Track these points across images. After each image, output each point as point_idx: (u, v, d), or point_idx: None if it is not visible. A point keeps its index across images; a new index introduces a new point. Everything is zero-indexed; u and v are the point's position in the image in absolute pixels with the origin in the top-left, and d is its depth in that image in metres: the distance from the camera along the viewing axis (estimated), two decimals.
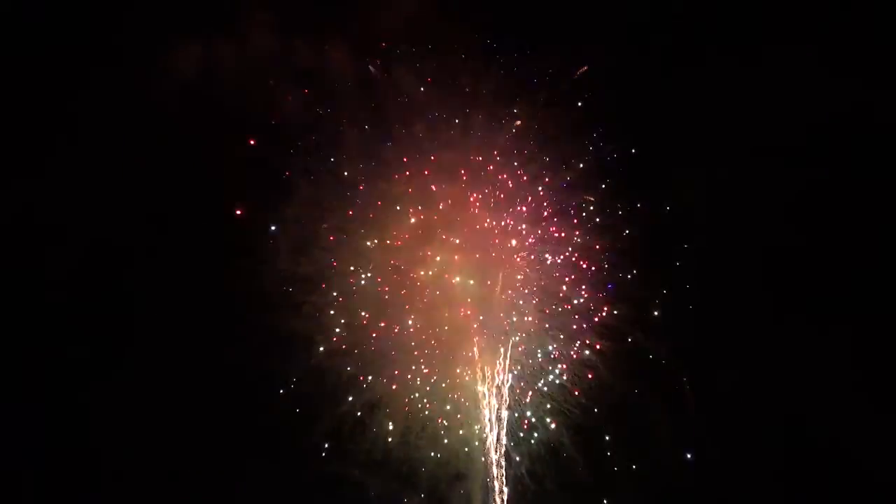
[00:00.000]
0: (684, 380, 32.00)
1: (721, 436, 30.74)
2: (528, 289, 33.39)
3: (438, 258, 32.70)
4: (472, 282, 32.84)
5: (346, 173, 31.78)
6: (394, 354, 32.65)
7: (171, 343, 29.82)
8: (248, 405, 30.19)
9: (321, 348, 31.60)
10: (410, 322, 32.55)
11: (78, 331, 28.67)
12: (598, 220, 32.69)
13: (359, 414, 31.89)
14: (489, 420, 33.24)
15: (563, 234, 33.04)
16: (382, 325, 32.58)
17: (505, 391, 33.35)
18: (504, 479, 32.85)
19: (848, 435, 29.08)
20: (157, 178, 28.57)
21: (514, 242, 33.31)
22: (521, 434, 33.11)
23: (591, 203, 32.56)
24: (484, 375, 33.52)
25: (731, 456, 30.38)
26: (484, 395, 33.26)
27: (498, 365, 33.39)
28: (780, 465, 30.45)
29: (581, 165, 32.32)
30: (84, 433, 28.91)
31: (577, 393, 32.80)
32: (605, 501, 32.02)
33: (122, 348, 29.21)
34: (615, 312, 32.76)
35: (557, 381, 33.17)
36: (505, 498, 32.77)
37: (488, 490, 32.84)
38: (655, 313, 32.54)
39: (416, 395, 32.76)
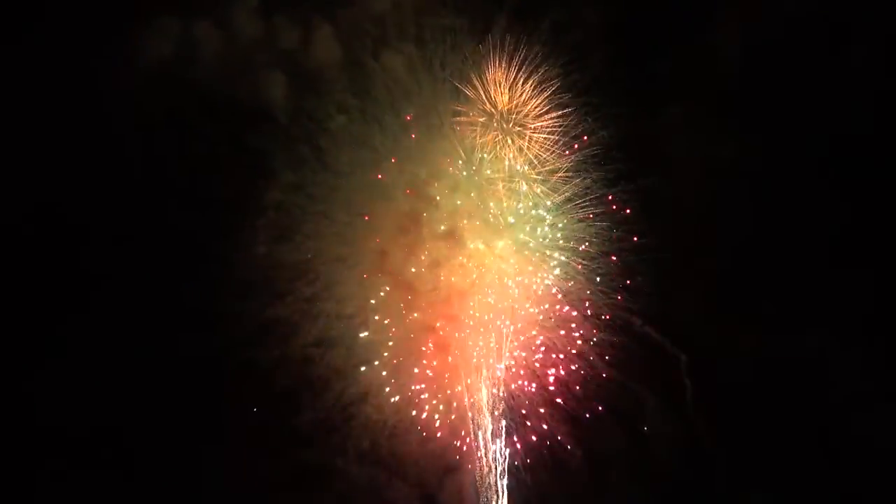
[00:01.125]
0: (684, 371, 31.38)
1: (719, 427, 30.32)
2: (523, 279, 32.75)
3: (429, 247, 32.19)
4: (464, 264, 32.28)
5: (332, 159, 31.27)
6: (383, 345, 32.14)
7: (160, 329, 29.50)
8: (235, 393, 29.87)
9: (309, 337, 31.24)
10: (395, 310, 32.10)
11: (52, 320, 28.66)
12: (592, 205, 31.76)
13: (346, 404, 31.37)
14: (483, 412, 32.74)
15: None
16: (371, 314, 32.08)
17: (500, 383, 32.79)
18: (498, 471, 32.29)
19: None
20: (134, 161, 28.36)
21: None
22: (516, 426, 32.48)
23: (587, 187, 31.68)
24: (478, 367, 32.94)
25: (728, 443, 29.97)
26: (480, 386, 32.75)
27: (493, 356, 32.82)
28: (778, 458, 29.74)
29: (568, 152, 31.41)
30: (64, 426, 28.65)
31: (572, 384, 32.13)
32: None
33: (100, 333, 28.89)
34: (611, 301, 31.99)
35: (552, 372, 32.47)
36: (499, 491, 32.26)
37: (482, 483, 32.33)
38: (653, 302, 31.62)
39: (407, 386, 32.16)
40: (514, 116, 31.29)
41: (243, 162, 29.89)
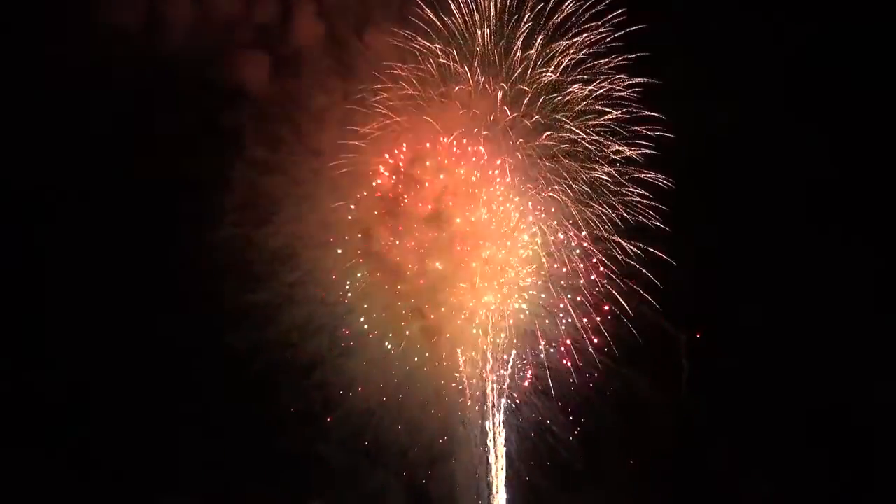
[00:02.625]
0: (682, 351, 30.57)
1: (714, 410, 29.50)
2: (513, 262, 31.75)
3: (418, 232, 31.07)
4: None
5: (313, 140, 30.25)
6: (368, 331, 31.11)
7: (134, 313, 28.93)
8: (215, 378, 29.18)
9: (291, 323, 30.34)
10: (380, 295, 31.01)
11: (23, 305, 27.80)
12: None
13: (329, 391, 30.56)
14: (474, 402, 31.68)
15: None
16: (355, 300, 31.03)
17: (491, 373, 31.70)
18: (490, 461, 31.27)
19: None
20: (106, 139, 27.44)
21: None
22: (508, 416, 31.52)
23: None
24: (470, 357, 31.87)
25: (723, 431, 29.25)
26: (477, 377, 31.66)
27: (484, 347, 31.74)
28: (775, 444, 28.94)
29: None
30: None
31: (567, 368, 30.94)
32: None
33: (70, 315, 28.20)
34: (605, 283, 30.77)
35: (545, 361, 31.26)
36: (491, 481, 31.23)
37: (473, 473, 31.39)
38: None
39: (393, 375, 31.13)
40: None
41: (222, 141, 29.08)
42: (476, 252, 31.28)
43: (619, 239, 30.20)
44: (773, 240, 30.27)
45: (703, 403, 29.79)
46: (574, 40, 29.87)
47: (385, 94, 29.99)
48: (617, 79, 29.75)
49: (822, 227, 29.32)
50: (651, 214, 29.82)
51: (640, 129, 29.68)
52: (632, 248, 30.04)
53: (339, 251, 31.04)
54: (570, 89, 30.25)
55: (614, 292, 30.44)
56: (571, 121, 30.26)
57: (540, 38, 29.93)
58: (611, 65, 29.73)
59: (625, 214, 30.10)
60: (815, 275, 29.56)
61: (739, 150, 29.74)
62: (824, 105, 29.59)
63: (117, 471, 28.36)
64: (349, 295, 31.06)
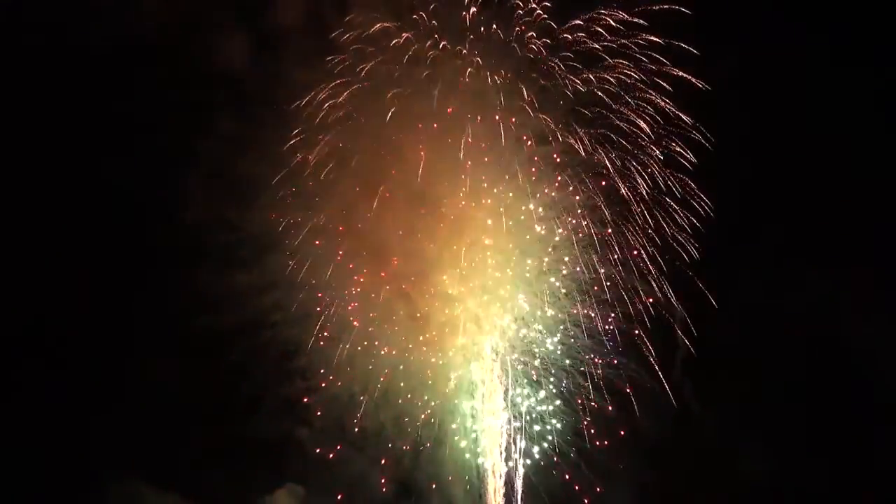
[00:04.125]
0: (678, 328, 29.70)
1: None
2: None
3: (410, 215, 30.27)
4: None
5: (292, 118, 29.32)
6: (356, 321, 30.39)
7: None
8: (198, 365, 28.58)
9: (273, 308, 29.68)
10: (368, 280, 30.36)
11: None
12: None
13: (313, 379, 30.07)
14: (463, 390, 30.99)
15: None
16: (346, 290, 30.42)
17: (484, 363, 31.07)
18: (481, 451, 30.64)
19: None
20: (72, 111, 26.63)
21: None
22: (502, 404, 30.79)
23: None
24: (460, 344, 31.07)
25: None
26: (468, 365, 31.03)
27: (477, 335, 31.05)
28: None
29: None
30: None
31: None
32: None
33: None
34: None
35: (536, 350, 30.84)
36: (484, 471, 30.58)
37: (463, 462, 30.69)
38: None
39: (381, 364, 30.42)
40: None
41: (200, 120, 28.41)
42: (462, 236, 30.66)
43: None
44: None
45: (699, 383, 29.34)
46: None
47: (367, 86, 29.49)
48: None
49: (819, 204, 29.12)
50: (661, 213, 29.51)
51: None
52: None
53: (324, 234, 30.41)
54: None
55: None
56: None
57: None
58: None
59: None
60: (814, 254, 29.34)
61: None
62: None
63: (88, 455, 27.83)
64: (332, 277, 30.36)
